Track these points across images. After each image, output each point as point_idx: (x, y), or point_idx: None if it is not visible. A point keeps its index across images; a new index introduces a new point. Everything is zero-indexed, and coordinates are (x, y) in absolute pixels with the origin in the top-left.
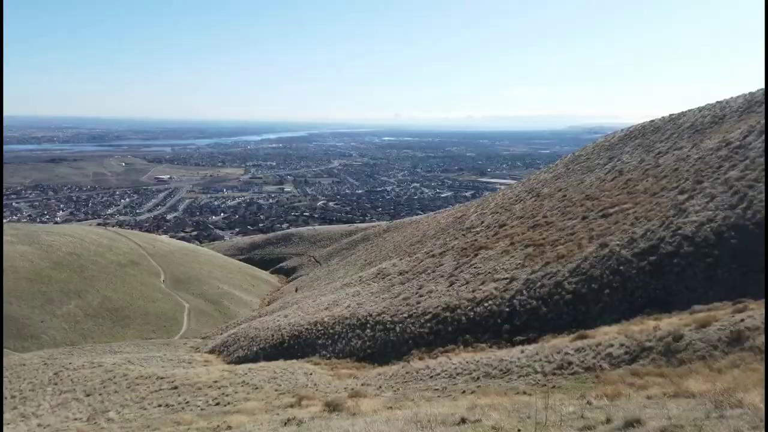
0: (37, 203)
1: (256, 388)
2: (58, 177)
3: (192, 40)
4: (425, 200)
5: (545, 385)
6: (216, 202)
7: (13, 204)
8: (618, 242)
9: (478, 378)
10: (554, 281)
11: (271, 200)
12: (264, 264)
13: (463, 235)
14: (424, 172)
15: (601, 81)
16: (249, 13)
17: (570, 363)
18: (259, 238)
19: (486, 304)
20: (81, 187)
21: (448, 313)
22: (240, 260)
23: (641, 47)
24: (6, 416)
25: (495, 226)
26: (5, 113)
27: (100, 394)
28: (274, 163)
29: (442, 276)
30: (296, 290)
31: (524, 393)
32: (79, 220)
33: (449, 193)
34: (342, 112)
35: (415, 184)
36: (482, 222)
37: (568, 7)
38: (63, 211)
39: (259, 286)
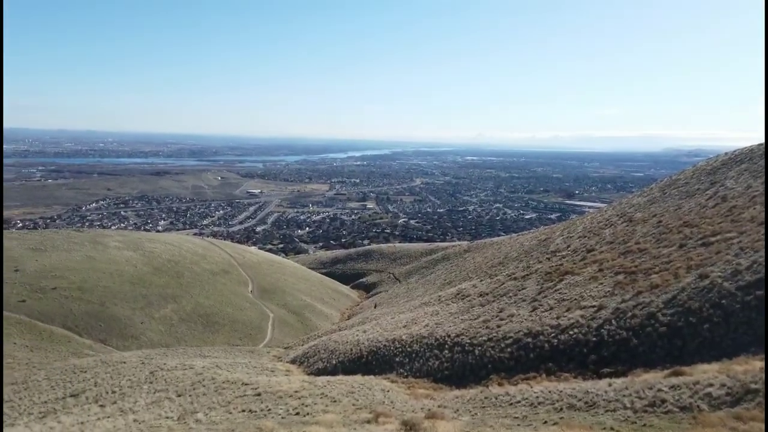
0: (142, 212)
1: (334, 401)
2: (162, 189)
3: (284, 62)
4: (508, 221)
5: (635, 422)
6: (302, 217)
7: (122, 212)
8: (720, 273)
9: (561, 409)
10: (647, 312)
11: (353, 216)
12: (345, 278)
13: (548, 258)
14: (508, 192)
15: (701, 101)
16: (338, 38)
17: (663, 401)
18: (341, 253)
19: (571, 332)
20: (181, 199)
21: (530, 339)
22: (322, 274)
23: (747, 63)
24: (106, 410)
25: (582, 251)
26: (122, 129)
27: (189, 396)
28: (358, 180)
29: (524, 300)
30: (375, 306)
31: (612, 429)
32: (178, 230)
33: (533, 215)
34: (424, 131)
35: (497, 205)
36: (568, 246)
37: (667, 17)
38: (164, 220)
39: (339, 299)
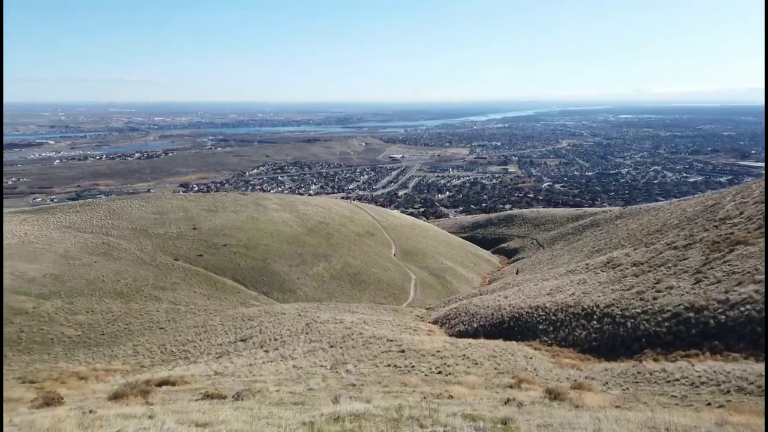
0: (296, 177)
1: (476, 364)
2: (312, 155)
3: (423, 27)
4: (667, 185)
5: None
6: (442, 181)
7: (278, 177)
8: None
9: (728, 391)
10: None
11: (494, 180)
12: (485, 243)
13: (716, 226)
14: (668, 153)
15: None
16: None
17: None
18: (481, 217)
19: (742, 309)
20: (329, 164)
21: (692, 314)
22: (462, 238)
23: None
24: (270, 355)
25: (759, 218)
26: (278, 100)
27: (340, 347)
28: (499, 143)
29: (685, 271)
30: (517, 272)
31: None
32: (327, 193)
33: (698, 178)
34: (573, 89)
35: (655, 167)
36: (741, 213)
37: None
38: (315, 184)
39: (479, 264)
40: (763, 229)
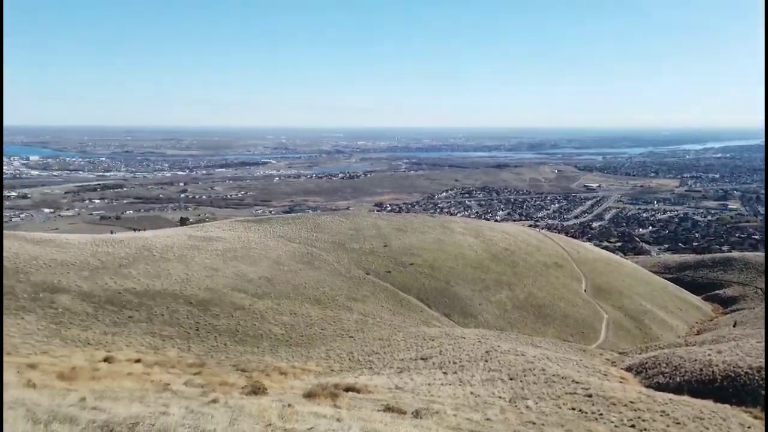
0: (483, 202)
1: (678, 423)
2: (501, 181)
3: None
4: None
5: None
6: (644, 215)
7: (466, 201)
8: None
9: None
10: None
11: (709, 217)
12: (694, 288)
13: None
14: None
15: None
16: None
17: None
18: (691, 258)
19: None
20: (518, 191)
21: None
22: (666, 279)
23: None
24: (448, 377)
25: None
26: (470, 125)
27: (520, 381)
28: (717, 176)
29: None
30: (734, 325)
31: None
32: (514, 220)
33: None
34: None
35: None
36: None
37: None
38: (502, 210)
39: (687, 311)
40: None
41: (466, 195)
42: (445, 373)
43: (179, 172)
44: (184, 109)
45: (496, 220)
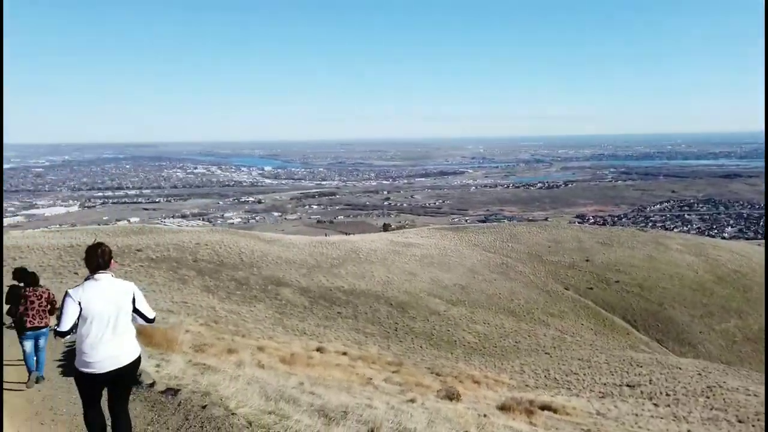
0: (706, 217)
1: None
2: (731, 192)
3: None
4: None
5: None
6: None
7: (685, 215)
8: None
9: None
10: None
11: None
12: None
13: None
14: None
15: None
16: None
17: None
18: None
19: None
20: (753, 205)
21: None
22: None
23: None
24: (660, 410)
25: None
26: (691, 130)
27: (752, 425)
28: None
29: None
30: None
31: None
32: (747, 239)
33: None
34: None
35: None
36: None
37: None
38: (731, 227)
39: None
40: None
41: (685, 208)
42: (655, 404)
43: (383, 181)
44: (395, 122)
45: (723, 238)
